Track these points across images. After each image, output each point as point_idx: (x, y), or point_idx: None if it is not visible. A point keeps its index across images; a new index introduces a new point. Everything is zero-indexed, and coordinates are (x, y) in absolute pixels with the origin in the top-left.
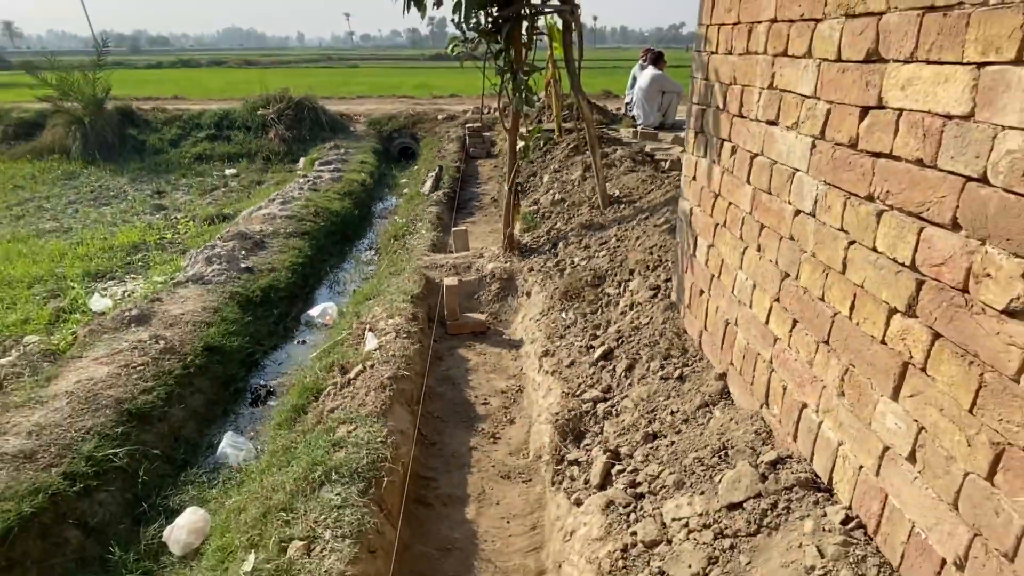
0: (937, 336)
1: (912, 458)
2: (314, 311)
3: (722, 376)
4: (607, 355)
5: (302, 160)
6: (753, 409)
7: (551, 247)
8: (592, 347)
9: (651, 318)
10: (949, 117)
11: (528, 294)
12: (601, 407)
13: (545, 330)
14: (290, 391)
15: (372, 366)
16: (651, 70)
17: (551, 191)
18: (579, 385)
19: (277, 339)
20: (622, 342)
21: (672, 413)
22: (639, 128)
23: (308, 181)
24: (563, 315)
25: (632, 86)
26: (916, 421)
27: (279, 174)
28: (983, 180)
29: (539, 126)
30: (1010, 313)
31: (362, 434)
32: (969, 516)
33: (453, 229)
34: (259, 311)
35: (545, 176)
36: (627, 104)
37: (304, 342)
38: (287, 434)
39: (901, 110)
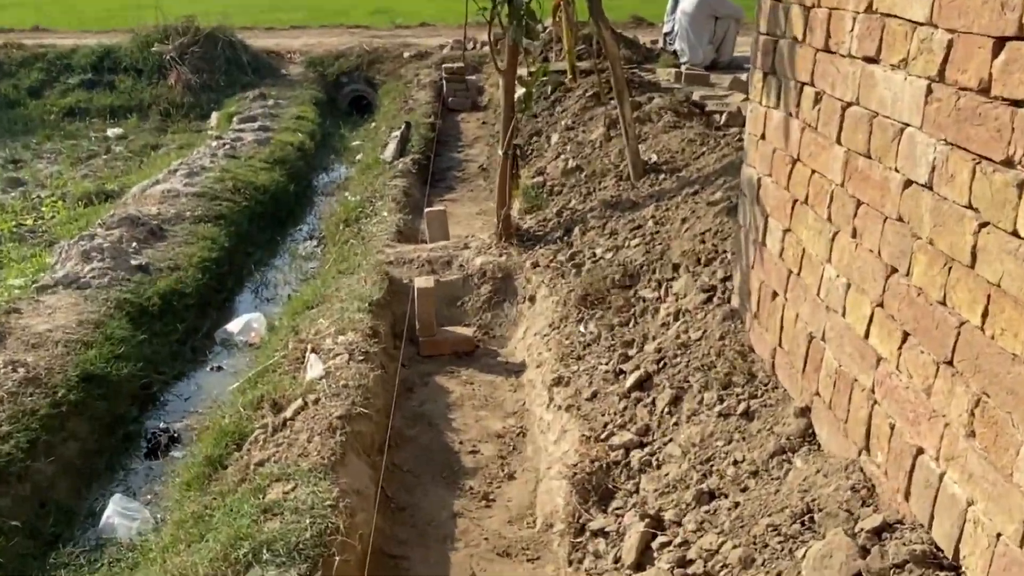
0: None
1: None
2: (234, 325)
3: (804, 411)
4: (643, 383)
5: (215, 115)
6: (848, 456)
7: (563, 234)
8: (623, 372)
9: (704, 331)
10: None
11: (531, 299)
12: (636, 455)
13: (556, 349)
14: (202, 437)
15: (317, 401)
16: None
17: (562, 156)
18: (605, 425)
19: (183, 364)
20: (664, 365)
21: (735, 463)
22: (683, 68)
23: (224, 144)
24: (581, 328)
25: (673, 10)
26: None
27: (183, 135)
28: None
29: (544, 66)
30: None
31: (304, 496)
32: None
33: (427, 210)
34: (157, 326)
35: (554, 136)
36: (666, 35)
37: (221, 368)
38: (199, 497)
39: None
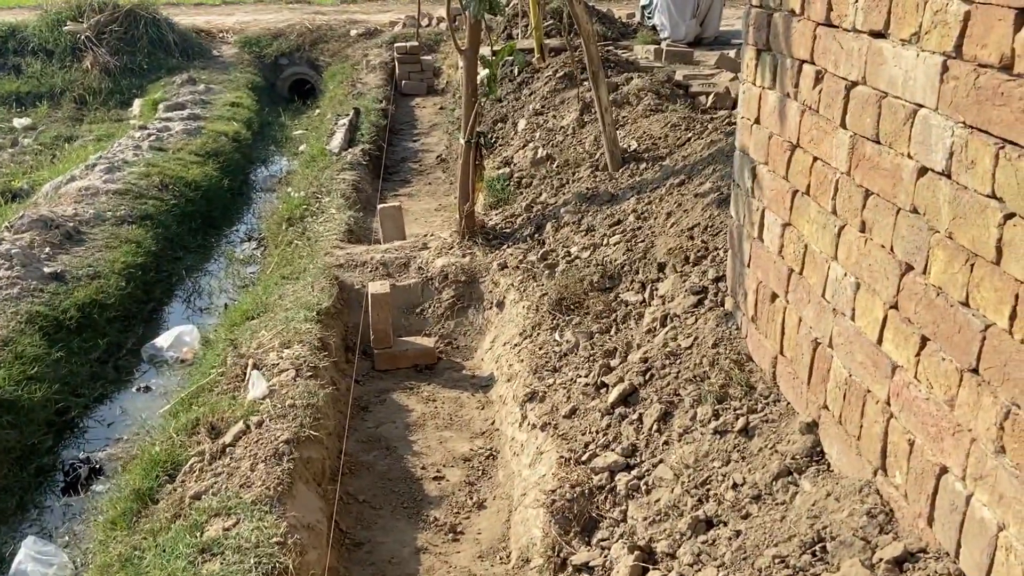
0: None
1: None
2: (163, 339)
3: (811, 426)
4: (628, 397)
5: (138, 103)
6: (863, 477)
7: (534, 231)
8: (604, 385)
9: (695, 338)
10: None
11: (499, 305)
12: (623, 479)
13: (529, 360)
14: (129, 467)
15: (260, 424)
16: None
17: (531, 144)
18: (586, 445)
19: (105, 385)
20: (651, 377)
21: (735, 487)
22: (664, 45)
23: (149, 135)
24: (556, 336)
25: None
26: None
27: (102, 125)
28: None
29: (510, 44)
30: None
31: (247, 532)
32: None
33: (380, 206)
34: (75, 342)
35: (521, 122)
36: (644, 9)
37: (149, 388)
38: (126, 537)
39: None
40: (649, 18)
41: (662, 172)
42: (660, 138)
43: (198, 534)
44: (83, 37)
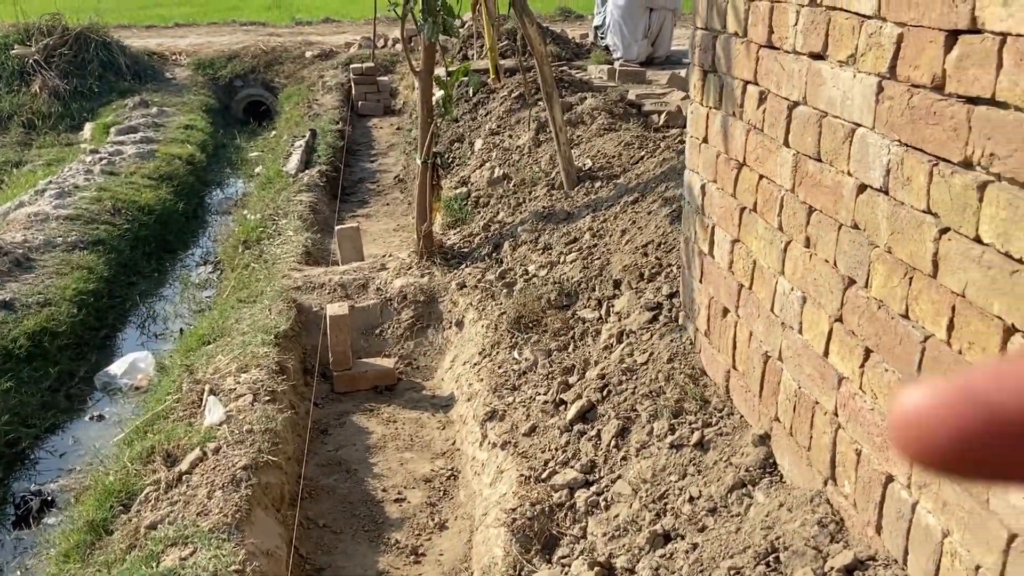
0: None
1: None
2: (117, 366)
3: (764, 439)
4: (586, 414)
5: (89, 126)
6: (814, 487)
7: (491, 250)
8: (563, 402)
9: (651, 354)
10: None
11: (459, 324)
12: (582, 496)
13: (488, 379)
14: (82, 498)
15: (217, 450)
16: None
17: (488, 164)
18: (546, 463)
19: (57, 415)
20: (609, 393)
21: (691, 500)
22: (617, 64)
23: (100, 159)
24: (515, 354)
25: (604, 2)
26: None
27: (51, 149)
28: None
29: (464, 66)
30: None
31: (205, 561)
32: None
33: (338, 228)
34: (25, 371)
35: (478, 142)
36: (597, 29)
37: (102, 417)
38: (80, 570)
39: (1004, 35)
40: (602, 39)
41: (616, 190)
42: (614, 156)
43: (154, 564)
44: (31, 61)
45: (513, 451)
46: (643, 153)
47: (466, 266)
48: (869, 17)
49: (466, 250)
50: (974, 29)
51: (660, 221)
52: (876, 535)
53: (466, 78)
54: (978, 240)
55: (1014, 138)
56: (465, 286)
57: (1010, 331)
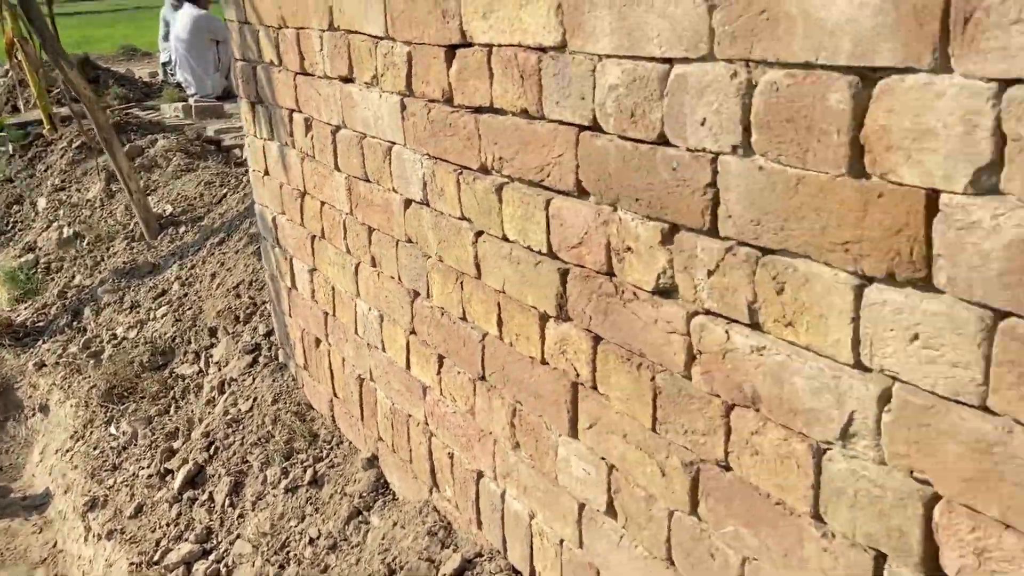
0: (598, 340)
1: (611, 511)
2: None
3: (372, 461)
4: (195, 478)
5: None
6: (421, 498)
7: (71, 319)
8: (169, 471)
9: (255, 399)
10: (543, 50)
11: (44, 409)
12: (200, 568)
13: (84, 464)
14: None
15: None
16: (189, 9)
17: (56, 224)
18: (158, 543)
19: None
20: (217, 450)
21: (312, 542)
22: (192, 101)
23: None
24: (112, 430)
25: (166, 37)
26: (603, 459)
27: None
28: (596, 127)
29: (2, 119)
30: (662, 292)
31: None
32: (687, 569)
33: None
34: None
35: (41, 200)
36: (165, 66)
37: None
38: None
39: (490, 46)
40: (172, 75)
41: (202, 233)
42: (196, 197)
43: None
44: None
45: (120, 538)
46: (225, 191)
47: (44, 342)
48: (381, 38)
49: (41, 324)
50: (466, 43)
51: (248, 259)
52: (479, 531)
53: (3, 133)
54: (506, 239)
55: (514, 141)
56: (45, 365)
57: (545, 318)
